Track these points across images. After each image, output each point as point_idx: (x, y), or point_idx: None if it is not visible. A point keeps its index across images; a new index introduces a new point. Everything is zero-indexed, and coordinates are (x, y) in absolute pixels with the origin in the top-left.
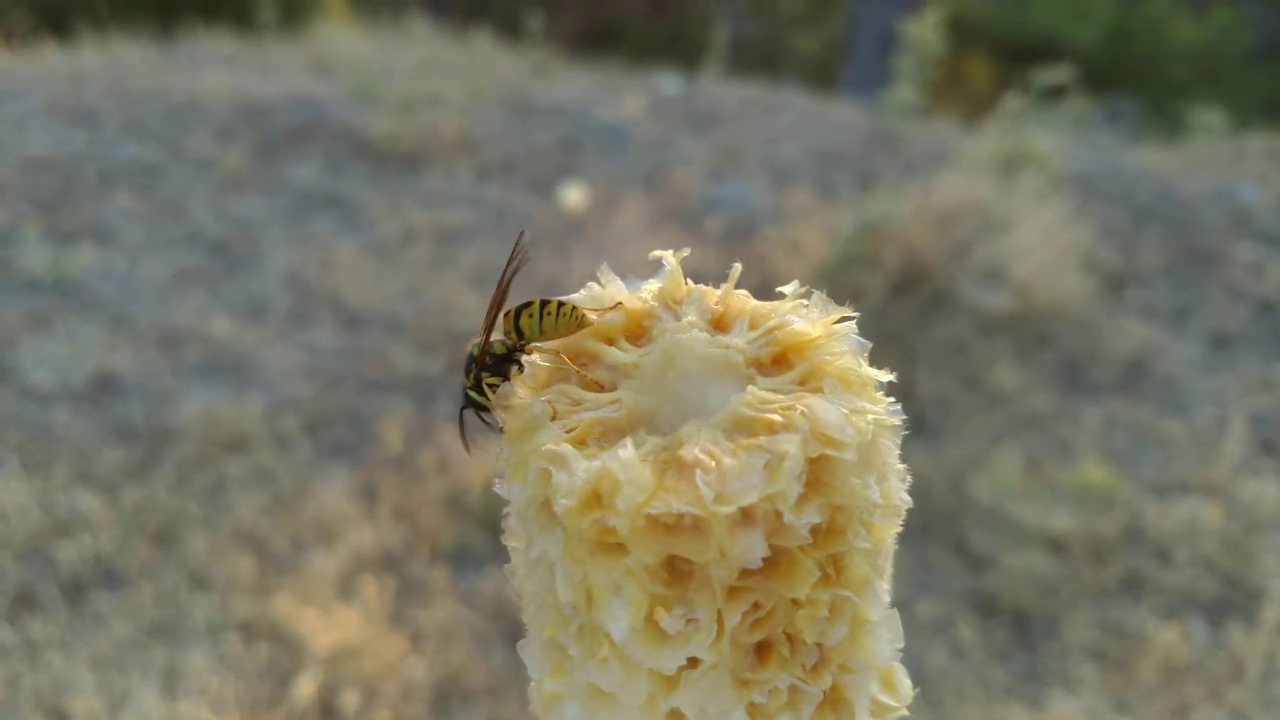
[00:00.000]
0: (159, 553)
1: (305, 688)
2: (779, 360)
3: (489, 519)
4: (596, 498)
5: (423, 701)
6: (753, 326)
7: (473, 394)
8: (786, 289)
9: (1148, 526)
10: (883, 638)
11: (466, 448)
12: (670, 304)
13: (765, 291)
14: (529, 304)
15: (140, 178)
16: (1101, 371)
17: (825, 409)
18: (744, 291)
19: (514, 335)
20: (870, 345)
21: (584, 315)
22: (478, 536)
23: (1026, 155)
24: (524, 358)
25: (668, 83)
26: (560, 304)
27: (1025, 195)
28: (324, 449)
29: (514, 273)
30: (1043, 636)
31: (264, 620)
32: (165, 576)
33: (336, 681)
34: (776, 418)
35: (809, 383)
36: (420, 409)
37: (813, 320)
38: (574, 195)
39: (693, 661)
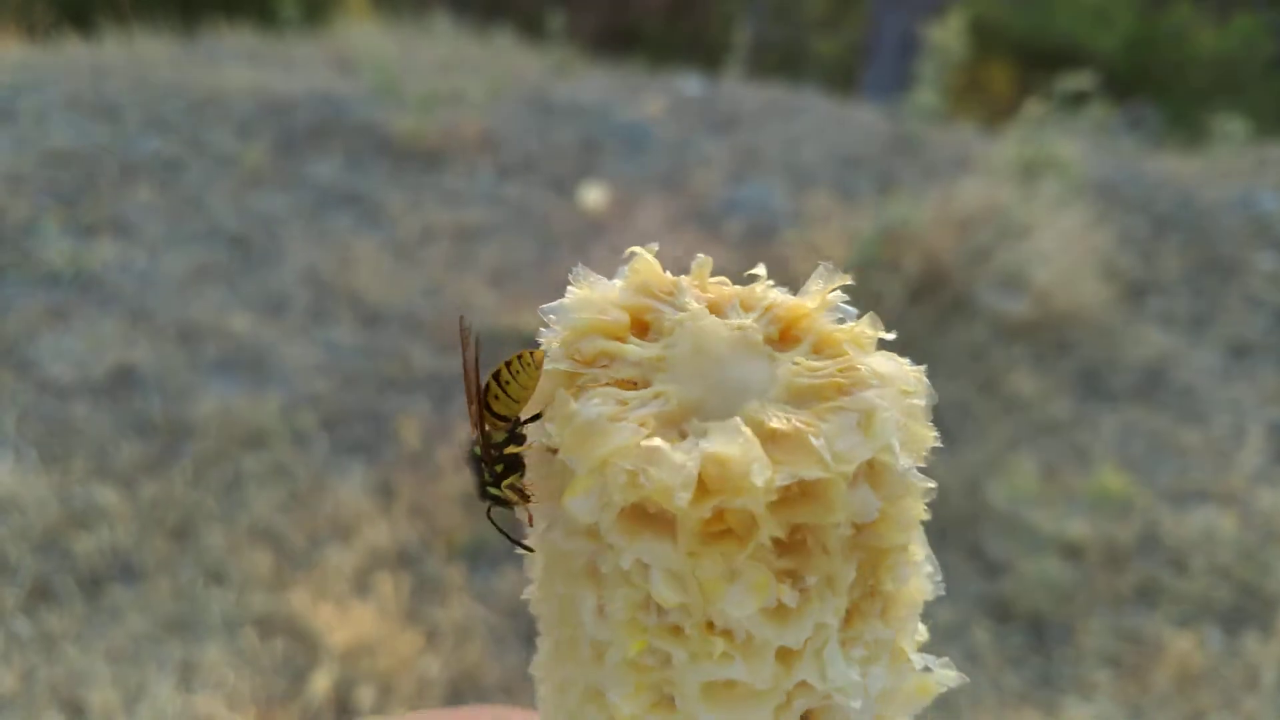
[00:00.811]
0: (176, 547)
1: (320, 683)
2: (785, 336)
3: (505, 518)
4: (706, 486)
5: (437, 698)
6: (746, 309)
7: (497, 494)
8: (818, 275)
9: (1164, 534)
10: (924, 574)
11: (516, 543)
12: (661, 296)
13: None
14: (486, 388)
15: (161, 172)
16: (1119, 379)
17: (885, 364)
18: (721, 278)
19: (498, 422)
20: (857, 313)
21: (537, 355)
22: (494, 535)
23: (1047, 161)
24: (524, 431)
25: (688, 84)
26: (505, 366)
27: (1045, 201)
28: (341, 446)
29: (475, 359)
30: (1058, 642)
31: (280, 615)
32: (182, 571)
33: (352, 677)
34: (842, 380)
35: (824, 350)
36: (437, 407)
37: (808, 294)
38: (594, 195)
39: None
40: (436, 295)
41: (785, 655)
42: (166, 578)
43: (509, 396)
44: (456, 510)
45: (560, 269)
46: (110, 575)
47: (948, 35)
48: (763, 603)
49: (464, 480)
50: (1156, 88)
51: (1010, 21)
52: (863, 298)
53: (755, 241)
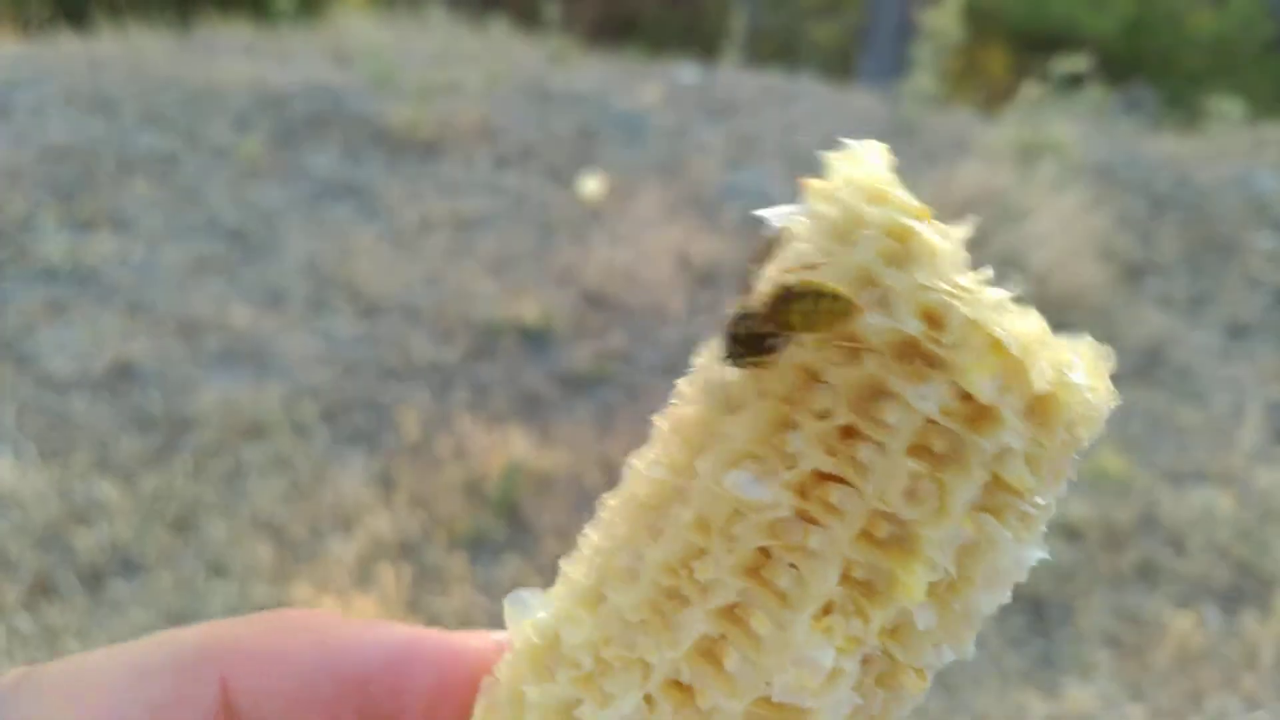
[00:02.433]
0: (177, 540)
1: None
2: None
3: (506, 506)
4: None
5: None
6: None
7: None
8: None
9: (1163, 514)
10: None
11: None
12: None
13: None
14: (799, 294)
15: (158, 166)
16: (1118, 359)
17: None
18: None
19: (777, 324)
20: None
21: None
22: (495, 524)
23: (1045, 144)
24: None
25: (685, 71)
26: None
27: (1043, 184)
28: (342, 436)
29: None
30: (1058, 623)
31: (282, 607)
32: (184, 564)
33: None
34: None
35: None
36: (438, 397)
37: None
38: (592, 184)
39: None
40: (436, 285)
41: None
42: (168, 570)
43: (812, 323)
44: (458, 500)
45: (559, 258)
46: (111, 570)
47: (944, 19)
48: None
49: (465, 469)
50: (1154, 69)
51: (1007, 4)
52: None
53: (752, 228)
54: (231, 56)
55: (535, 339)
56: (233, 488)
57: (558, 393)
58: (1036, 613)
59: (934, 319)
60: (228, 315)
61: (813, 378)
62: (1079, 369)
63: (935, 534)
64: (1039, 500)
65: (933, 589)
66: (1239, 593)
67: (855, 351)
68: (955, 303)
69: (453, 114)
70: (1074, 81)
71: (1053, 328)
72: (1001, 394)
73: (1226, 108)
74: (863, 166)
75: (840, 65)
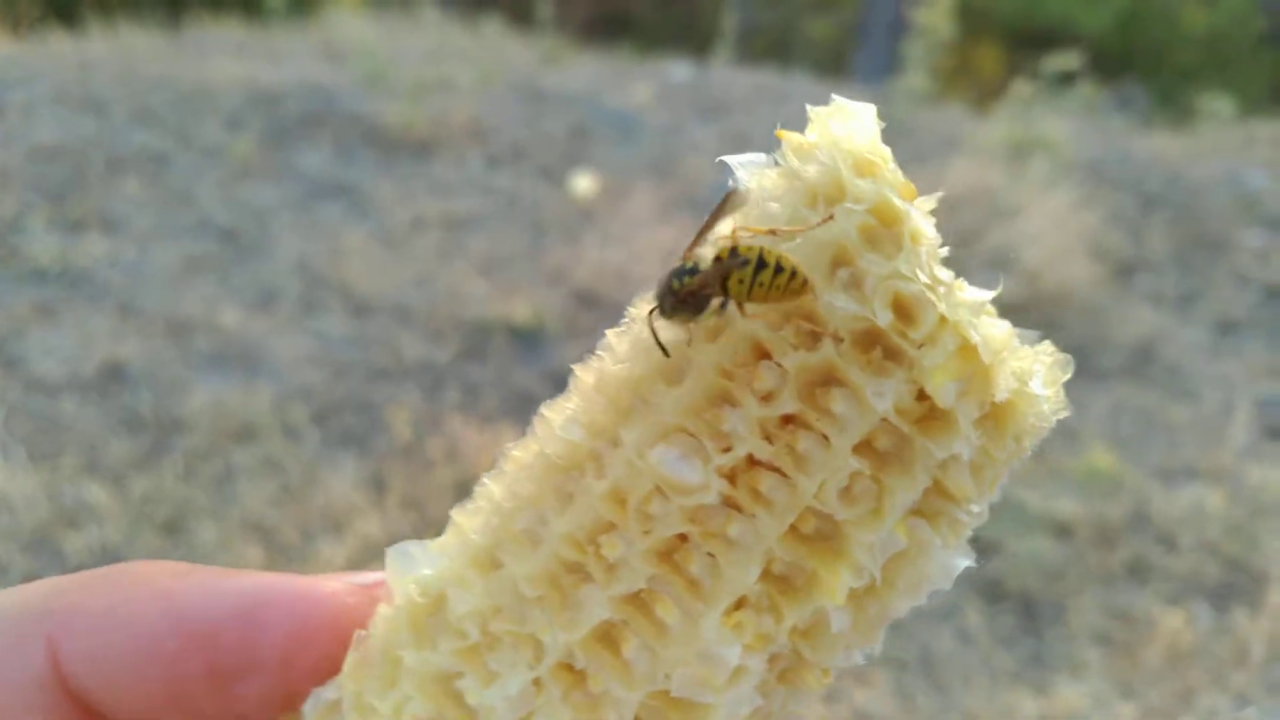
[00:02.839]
0: (167, 543)
1: None
2: None
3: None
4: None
5: None
6: None
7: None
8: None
9: (1153, 512)
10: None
11: (665, 350)
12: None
13: None
14: (743, 260)
15: (149, 166)
16: (1108, 357)
17: None
18: None
19: (718, 286)
20: None
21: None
22: None
23: (1036, 141)
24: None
25: (678, 70)
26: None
27: (1034, 181)
28: (332, 438)
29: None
30: (1048, 621)
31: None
32: None
33: None
34: None
35: None
36: (429, 397)
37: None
38: (584, 183)
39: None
40: (427, 285)
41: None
42: None
43: (749, 292)
44: (449, 501)
45: (550, 257)
46: None
47: (936, 17)
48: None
49: (456, 470)
50: (1146, 65)
51: (999, 2)
52: None
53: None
54: (222, 56)
55: (527, 339)
56: (223, 490)
57: (550, 393)
58: (1027, 611)
59: (905, 312)
60: (218, 316)
61: (760, 354)
62: (1038, 377)
63: (867, 537)
64: (973, 508)
65: (852, 592)
66: (1229, 590)
67: (814, 334)
68: (932, 298)
69: (445, 113)
70: (1066, 79)
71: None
72: (960, 399)
73: (1217, 106)
74: (852, 129)
75: (833, 63)
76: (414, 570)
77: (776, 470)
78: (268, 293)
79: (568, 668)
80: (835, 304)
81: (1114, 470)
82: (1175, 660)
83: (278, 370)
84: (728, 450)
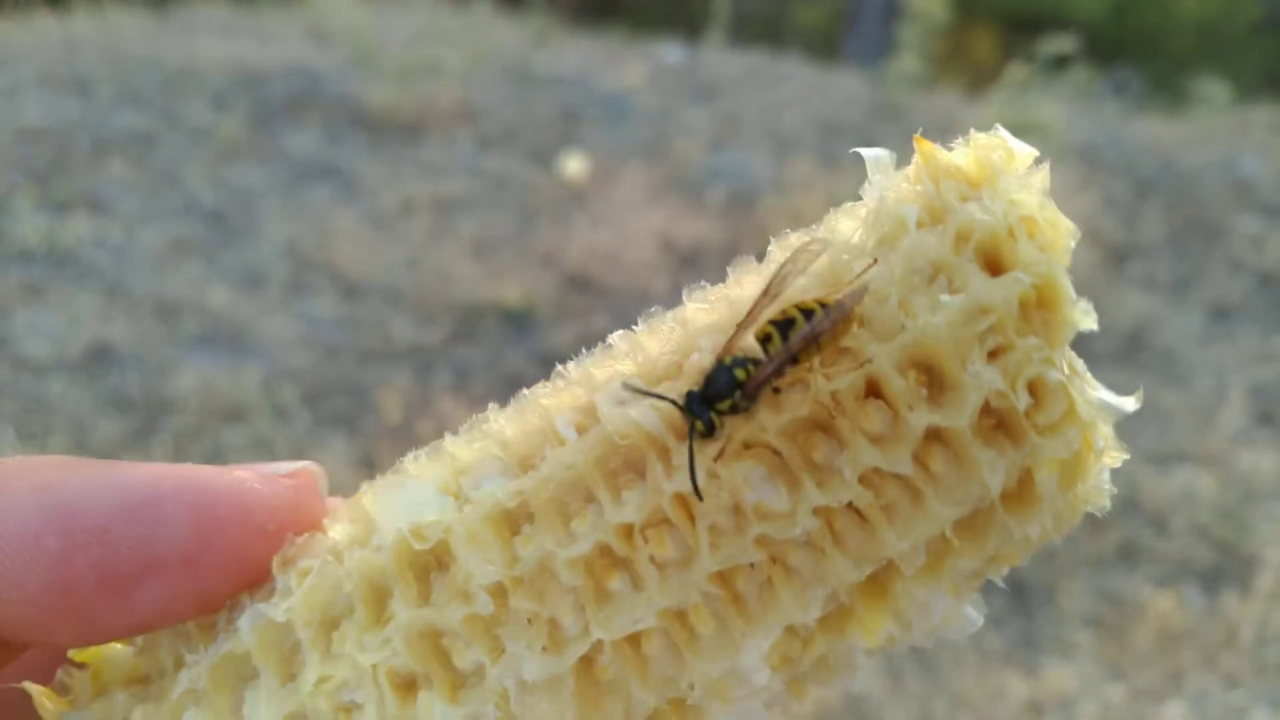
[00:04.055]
0: None
1: None
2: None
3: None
4: None
5: None
6: None
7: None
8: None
9: (1145, 496)
10: None
11: (699, 493)
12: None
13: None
14: (790, 322)
15: (135, 147)
16: (1101, 342)
17: None
18: None
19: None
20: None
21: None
22: None
23: (1030, 126)
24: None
25: (669, 52)
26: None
27: None
28: (322, 419)
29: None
30: (1039, 604)
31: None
32: None
33: None
34: None
35: None
36: (418, 379)
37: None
38: (574, 165)
39: None
40: (416, 267)
41: None
42: None
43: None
44: None
45: (541, 240)
46: None
47: (929, 0)
48: None
49: None
50: (1140, 51)
51: None
52: None
53: (737, 209)
54: (209, 36)
55: (517, 321)
56: None
57: (540, 375)
58: (1017, 593)
59: (1039, 395)
60: (206, 297)
61: (870, 391)
62: (1108, 472)
63: (920, 592)
64: (1003, 572)
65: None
66: (1219, 573)
67: (923, 386)
68: (1073, 393)
69: (434, 95)
70: (1060, 63)
71: None
72: (1058, 490)
73: (1212, 91)
74: (1022, 177)
75: (826, 46)
76: (407, 507)
77: (860, 515)
78: (256, 274)
79: (588, 661)
80: (981, 375)
81: None
82: (1165, 642)
83: (267, 351)
84: (823, 486)
